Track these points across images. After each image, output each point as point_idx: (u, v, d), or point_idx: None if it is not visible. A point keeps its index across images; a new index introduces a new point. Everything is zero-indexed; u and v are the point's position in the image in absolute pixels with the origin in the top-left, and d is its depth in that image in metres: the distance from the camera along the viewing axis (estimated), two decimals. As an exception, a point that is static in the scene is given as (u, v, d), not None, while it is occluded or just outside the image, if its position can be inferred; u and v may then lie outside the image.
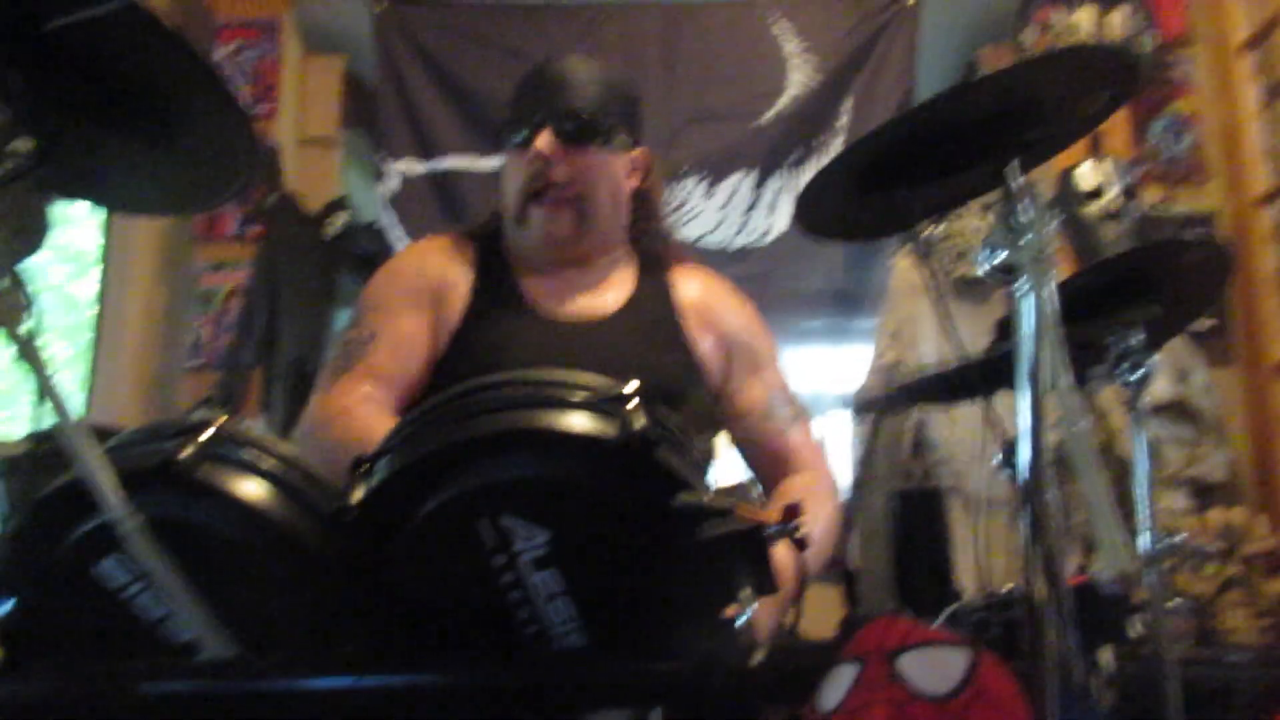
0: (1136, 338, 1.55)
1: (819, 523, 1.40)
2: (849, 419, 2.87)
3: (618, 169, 1.53)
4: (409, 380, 1.42)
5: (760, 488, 1.50)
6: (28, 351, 0.83)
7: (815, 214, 1.28)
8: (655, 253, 1.60)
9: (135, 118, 0.93)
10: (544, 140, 1.44)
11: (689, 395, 1.48)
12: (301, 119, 3.55)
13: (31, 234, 0.91)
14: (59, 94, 0.89)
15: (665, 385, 1.25)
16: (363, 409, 1.36)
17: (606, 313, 1.51)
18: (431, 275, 1.51)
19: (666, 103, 3.33)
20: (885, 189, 1.18)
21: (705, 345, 1.53)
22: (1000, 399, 1.63)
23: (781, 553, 1.03)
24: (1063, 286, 1.08)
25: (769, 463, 1.52)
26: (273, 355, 3.19)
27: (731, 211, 3.36)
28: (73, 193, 1.06)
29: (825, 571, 1.48)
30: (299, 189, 3.37)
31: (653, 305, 1.54)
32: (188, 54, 0.88)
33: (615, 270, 1.56)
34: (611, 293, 1.54)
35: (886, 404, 2.63)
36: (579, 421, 0.81)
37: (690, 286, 1.59)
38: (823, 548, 1.40)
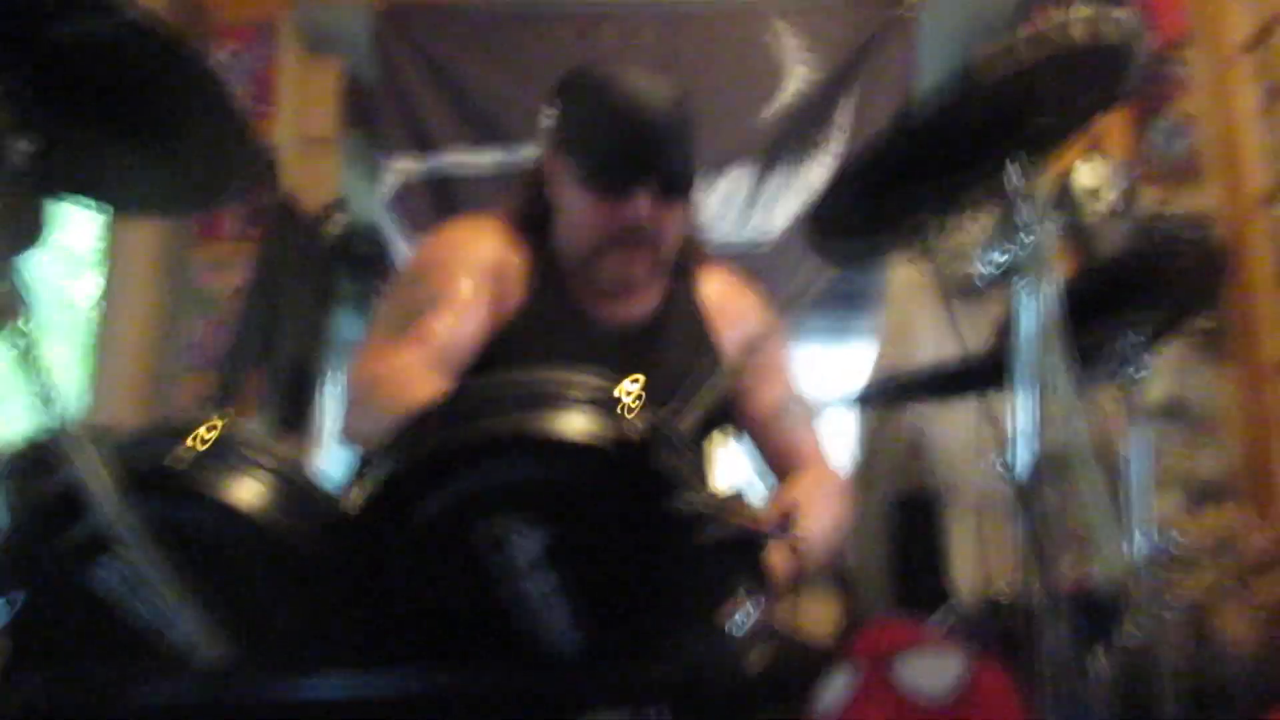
0: (1134, 338, 1.56)
1: (825, 519, 1.42)
2: (848, 418, 2.87)
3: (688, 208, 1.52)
4: (462, 352, 1.38)
5: (769, 484, 1.55)
6: (26, 352, 0.83)
7: (824, 234, 1.30)
8: (683, 253, 1.59)
9: (135, 120, 0.93)
10: (643, 205, 1.40)
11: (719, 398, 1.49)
12: (300, 120, 3.55)
13: (29, 234, 0.91)
14: (60, 96, 0.89)
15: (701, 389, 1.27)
16: (412, 374, 1.31)
17: (646, 316, 1.53)
18: (491, 255, 1.47)
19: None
20: (889, 198, 1.18)
21: (728, 345, 1.56)
22: (998, 399, 1.64)
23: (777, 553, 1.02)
24: (1061, 287, 1.09)
25: (780, 461, 1.55)
26: (272, 356, 3.18)
27: (729, 210, 3.35)
28: (73, 193, 1.06)
29: (829, 568, 1.50)
30: (298, 190, 3.37)
31: (685, 307, 1.57)
32: (187, 59, 0.88)
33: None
34: (649, 294, 1.54)
35: (885, 400, 2.62)
36: (576, 424, 0.81)
37: (713, 286, 1.61)
38: (831, 541, 1.43)
